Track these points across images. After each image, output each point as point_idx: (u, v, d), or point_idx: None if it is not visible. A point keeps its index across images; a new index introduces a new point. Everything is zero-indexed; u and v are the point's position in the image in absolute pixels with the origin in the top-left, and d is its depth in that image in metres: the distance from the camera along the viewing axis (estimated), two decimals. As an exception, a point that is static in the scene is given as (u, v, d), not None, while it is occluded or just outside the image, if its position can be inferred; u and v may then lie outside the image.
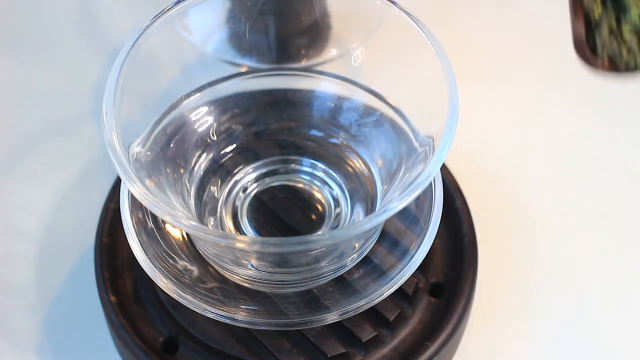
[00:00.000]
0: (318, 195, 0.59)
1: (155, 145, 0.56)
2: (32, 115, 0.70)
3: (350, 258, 0.55)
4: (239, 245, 0.48)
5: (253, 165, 0.58)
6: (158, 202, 0.49)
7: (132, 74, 0.53)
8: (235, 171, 0.58)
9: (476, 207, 0.65)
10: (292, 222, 0.57)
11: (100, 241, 0.59)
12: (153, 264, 0.54)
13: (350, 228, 0.49)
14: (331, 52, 0.62)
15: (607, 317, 0.62)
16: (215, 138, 0.59)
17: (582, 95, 0.72)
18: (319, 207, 0.58)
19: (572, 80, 0.72)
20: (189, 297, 0.53)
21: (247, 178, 0.57)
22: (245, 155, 0.59)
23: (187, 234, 0.56)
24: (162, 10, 0.55)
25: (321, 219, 0.58)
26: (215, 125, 0.59)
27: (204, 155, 0.59)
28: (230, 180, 0.57)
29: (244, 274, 0.54)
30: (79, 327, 0.61)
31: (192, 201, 0.57)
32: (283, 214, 0.58)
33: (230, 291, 0.55)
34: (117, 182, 0.62)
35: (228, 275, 0.55)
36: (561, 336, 0.61)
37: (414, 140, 0.55)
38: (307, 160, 0.59)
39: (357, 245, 0.55)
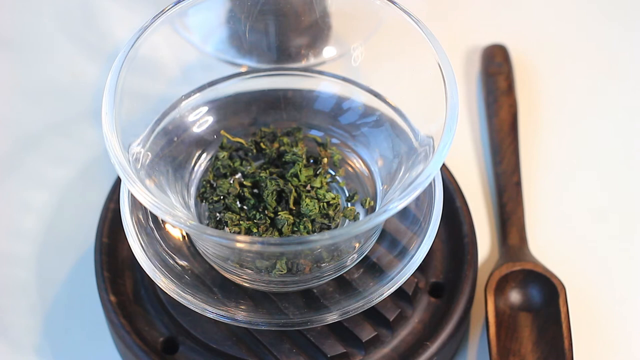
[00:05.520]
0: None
1: (155, 145, 0.56)
2: (32, 115, 0.70)
3: (350, 258, 0.55)
4: (239, 245, 0.48)
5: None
6: (158, 202, 0.49)
7: (132, 74, 0.53)
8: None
9: (476, 207, 0.65)
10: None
11: (100, 241, 0.59)
12: (153, 264, 0.54)
13: (350, 228, 0.49)
14: (331, 52, 0.63)
15: (609, 312, 0.62)
16: (215, 138, 0.59)
17: (581, 95, 0.72)
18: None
19: (571, 78, 0.72)
20: (189, 297, 0.53)
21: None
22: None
23: (187, 234, 0.56)
24: (162, 10, 0.55)
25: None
26: (215, 125, 0.59)
27: (204, 155, 0.59)
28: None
29: (244, 274, 0.54)
30: (79, 327, 0.61)
31: (192, 201, 0.57)
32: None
33: (230, 291, 0.55)
34: (117, 182, 0.62)
35: (228, 275, 0.55)
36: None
37: (414, 140, 0.55)
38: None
39: (357, 245, 0.55)
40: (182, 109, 0.58)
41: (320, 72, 0.60)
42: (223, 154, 0.58)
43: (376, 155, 0.58)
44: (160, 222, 0.56)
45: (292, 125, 0.60)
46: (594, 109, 0.71)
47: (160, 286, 0.53)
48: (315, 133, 0.60)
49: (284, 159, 0.57)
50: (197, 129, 0.59)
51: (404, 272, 0.54)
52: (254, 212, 0.55)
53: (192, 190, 0.58)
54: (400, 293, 0.56)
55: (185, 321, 0.56)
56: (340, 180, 0.59)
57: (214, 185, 0.57)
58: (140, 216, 0.55)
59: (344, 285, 0.55)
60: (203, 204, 0.57)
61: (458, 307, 0.57)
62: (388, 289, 0.54)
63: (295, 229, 0.55)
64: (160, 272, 0.54)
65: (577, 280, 0.62)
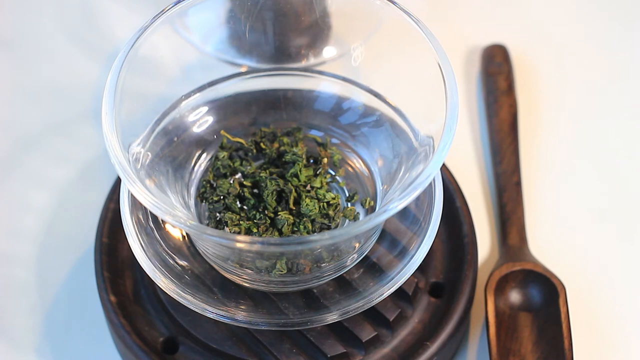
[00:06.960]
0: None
1: (155, 145, 0.56)
2: (32, 115, 0.70)
3: (350, 258, 0.55)
4: (239, 245, 0.48)
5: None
6: (158, 202, 0.49)
7: (132, 74, 0.53)
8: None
9: (476, 207, 0.65)
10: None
11: (100, 241, 0.59)
12: (153, 264, 0.54)
13: (350, 228, 0.49)
14: (331, 52, 0.63)
15: (607, 310, 0.62)
16: (215, 138, 0.59)
17: (581, 95, 0.72)
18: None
19: (571, 79, 0.72)
20: (189, 297, 0.53)
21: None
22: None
23: (187, 234, 0.56)
24: (162, 10, 0.55)
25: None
26: (215, 125, 0.59)
27: (204, 155, 0.59)
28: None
29: (244, 273, 0.54)
30: (79, 327, 0.61)
31: (192, 201, 0.57)
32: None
33: (230, 291, 0.55)
34: (117, 182, 0.62)
35: (228, 275, 0.55)
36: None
37: (414, 140, 0.55)
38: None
39: (357, 245, 0.55)
40: (182, 109, 0.58)
41: (320, 72, 0.60)
42: (223, 154, 0.58)
43: (376, 155, 0.58)
44: (160, 222, 0.56)
45: (292, 125, 0.60)
46: (594, 109, 0.71)
47: (160, 286, 0.53)
48: (315, 133, 0.60)
49: (284, 159, 0.57)
50: (197, 129, 0.59)
51: (404, 272, 0.54)
52: (254, 212, 0.55)
53: (192, 190, 0.58)
54: (400, 293, 0.56)
55: (185, 321, 0.56)
56: (340, 180, 0.59)
57: (214, 185, 0.57)
58: (140, 216, 0.55)
59: (344, 285, 0.55)
60: (203, 204, 0.57)
61: (458, 307, 0.57)
62: (388, 289, 0.54)
63: (295, 229, 0.55)
64: (160, 272, 0.54)
65: (577, 280, 0.62)
